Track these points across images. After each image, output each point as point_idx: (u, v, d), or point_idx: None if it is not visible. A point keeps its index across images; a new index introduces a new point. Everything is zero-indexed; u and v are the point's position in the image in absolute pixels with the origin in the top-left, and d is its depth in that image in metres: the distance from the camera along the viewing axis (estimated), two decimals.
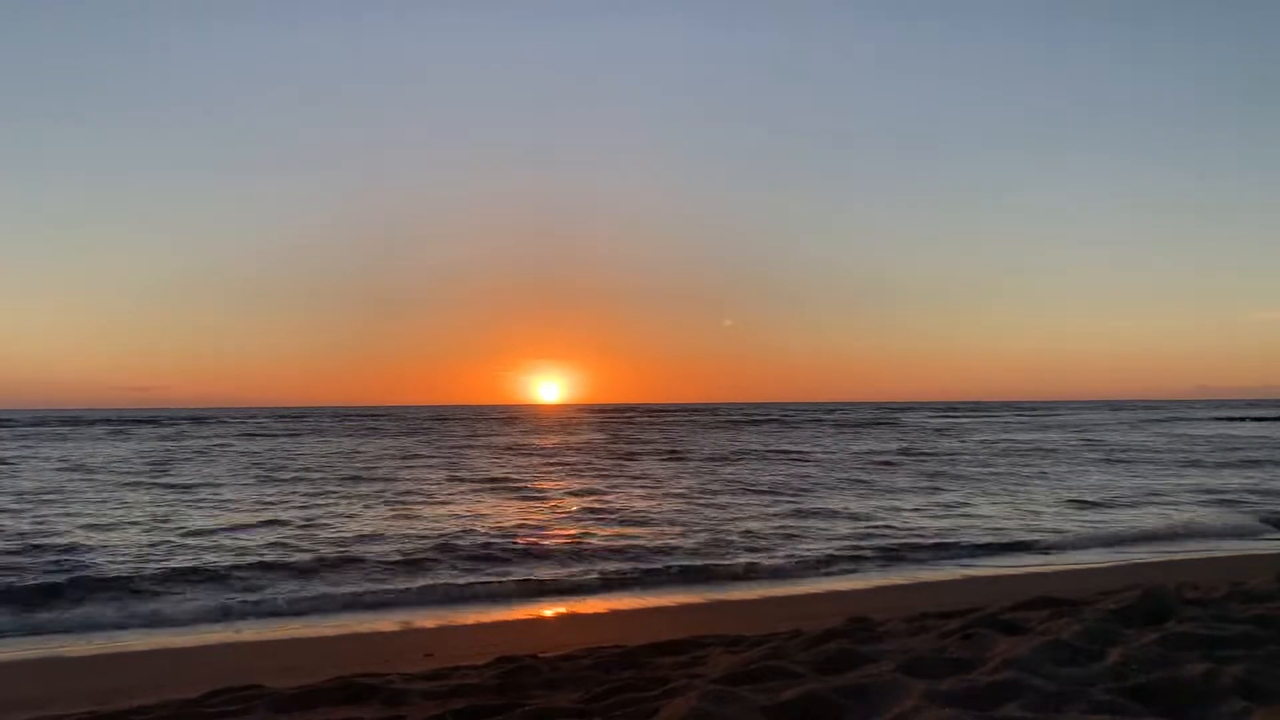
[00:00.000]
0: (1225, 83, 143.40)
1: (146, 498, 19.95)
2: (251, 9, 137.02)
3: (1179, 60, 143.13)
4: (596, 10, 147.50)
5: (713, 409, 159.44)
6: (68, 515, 16.83)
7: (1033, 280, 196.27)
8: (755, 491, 21.35)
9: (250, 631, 8.92)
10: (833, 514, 16.99)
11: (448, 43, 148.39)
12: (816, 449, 38.73)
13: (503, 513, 17.50)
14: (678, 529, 14.99)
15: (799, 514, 17.00)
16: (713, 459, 33.26)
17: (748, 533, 14.67)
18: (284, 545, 13.33)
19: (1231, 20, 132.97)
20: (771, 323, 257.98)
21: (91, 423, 77.67)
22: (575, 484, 23.67)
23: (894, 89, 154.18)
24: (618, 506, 18.39)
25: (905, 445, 41.04)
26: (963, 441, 44.12)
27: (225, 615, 9.47)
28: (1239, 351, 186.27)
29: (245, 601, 9.95)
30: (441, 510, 17.67)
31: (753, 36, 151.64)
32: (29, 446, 42.94)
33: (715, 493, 21.10)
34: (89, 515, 17.11)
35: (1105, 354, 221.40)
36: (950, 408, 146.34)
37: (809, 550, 13.00)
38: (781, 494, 20.77)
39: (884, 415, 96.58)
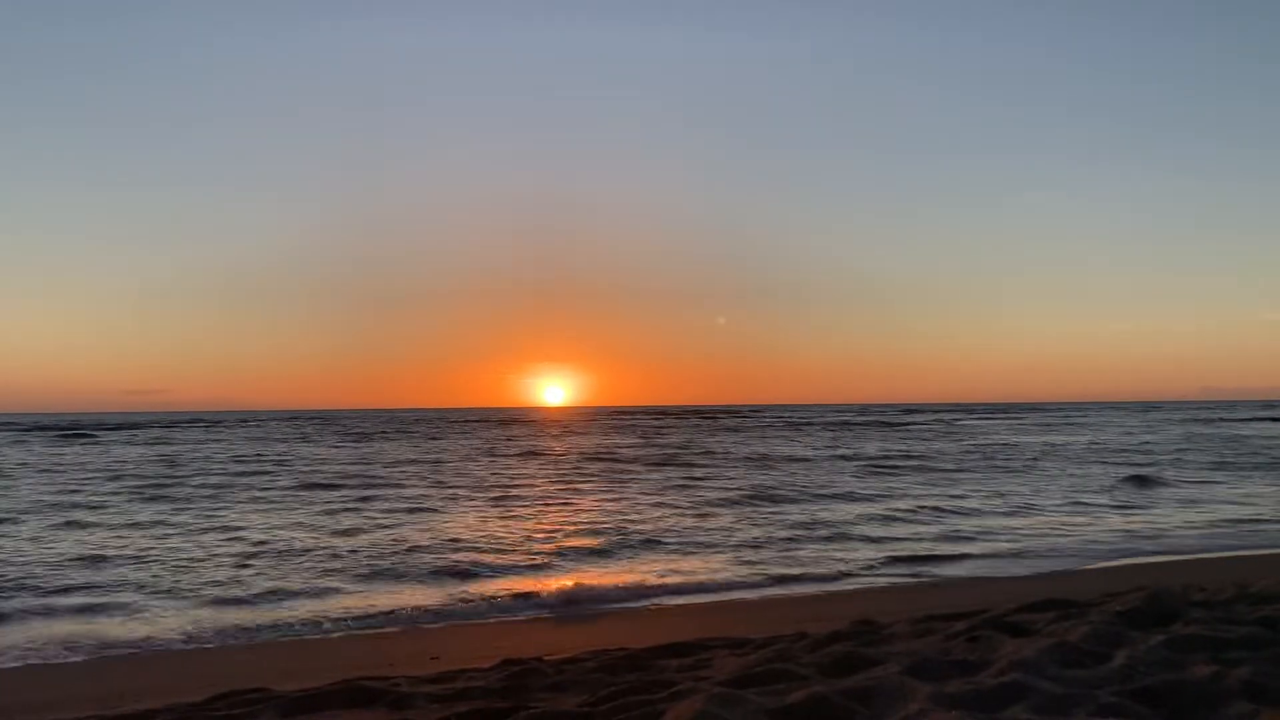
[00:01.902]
0: (1235, 83, 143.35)
1: (151, 512, 19.87)
2: (253, 10, 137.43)
3: (1187, 61, 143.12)
4: (596, 10, 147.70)
5: (729, 411, 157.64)
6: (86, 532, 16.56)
7: (1036, 282, 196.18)
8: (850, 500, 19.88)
9: (256, 634, 8.92)
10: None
11: (449, 44, 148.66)
12: (921, 452, 36.29)
13: (545, 530, 15.74)
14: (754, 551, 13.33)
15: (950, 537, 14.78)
16: (752, 462, 31.86)
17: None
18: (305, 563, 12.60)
19: (1238, 21, 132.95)
20: (778, 324, 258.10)
21: (95, 427, 77.74)
22: (609, 495, 21.71)
23: (896, 88, 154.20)
24: (677, 526, 16.05)
25: (974, 447, 39.73)
26: (1037, 442, 42.92)
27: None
28: (1245, 353, 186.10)
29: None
30: (479, 531, 15.48)
31: (752, 36, 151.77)
32: (33, 452, 43.01)
33: (761, 499, 19.95)
34: (107, 534, 17.02)
35: (1109, 355, 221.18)
36: (966, 409, 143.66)
37: None
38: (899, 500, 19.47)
39: (895, 418, 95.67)
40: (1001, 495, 20.76)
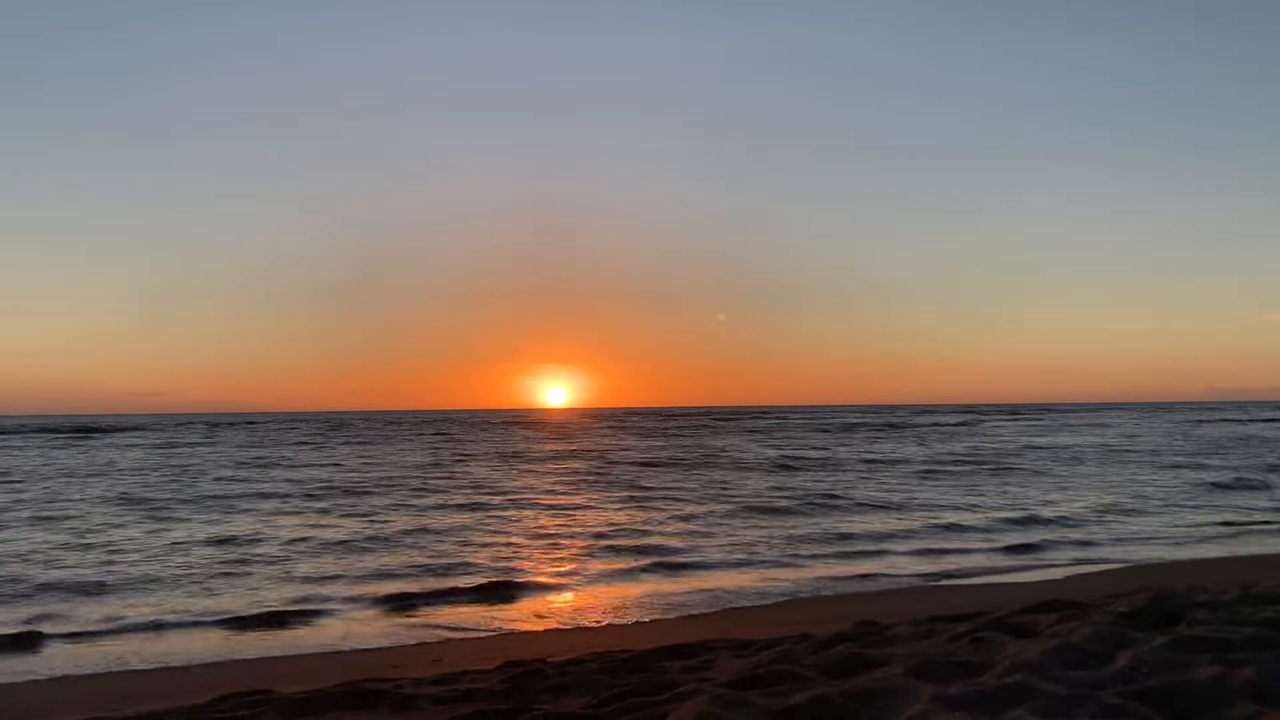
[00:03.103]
0: (1238, 86, 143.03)
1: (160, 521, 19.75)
2: (254, 14, 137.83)
3: (1191, 64, 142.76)
4: (596, 11, 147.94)
5: (738, 412, 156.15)
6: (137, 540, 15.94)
7: (1039, 283, 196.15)
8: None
9: (259, 639, 8.93)
10: None
11: (450, 46, 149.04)
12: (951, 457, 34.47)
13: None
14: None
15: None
16: (781, 465, 30.85)
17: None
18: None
19: (1240, 24, 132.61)
20: (780, 325, 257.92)
21: (99, 430, 77.79)
22: (630, 500, 20.63)
23: (896, 88, 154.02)
24: (716, 536, 14.96)
25: (1016, 448, 38.48)
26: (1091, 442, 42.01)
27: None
28: (1249, 353, 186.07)
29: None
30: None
31: (753, 37, 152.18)
32: (36, 456, 43.05)
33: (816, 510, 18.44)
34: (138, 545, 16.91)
35: (1114, 356, 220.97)
36: (976, 410, 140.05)
37: None
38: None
39: (909, 419, 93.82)
40: (1097, 499, 19.73)
